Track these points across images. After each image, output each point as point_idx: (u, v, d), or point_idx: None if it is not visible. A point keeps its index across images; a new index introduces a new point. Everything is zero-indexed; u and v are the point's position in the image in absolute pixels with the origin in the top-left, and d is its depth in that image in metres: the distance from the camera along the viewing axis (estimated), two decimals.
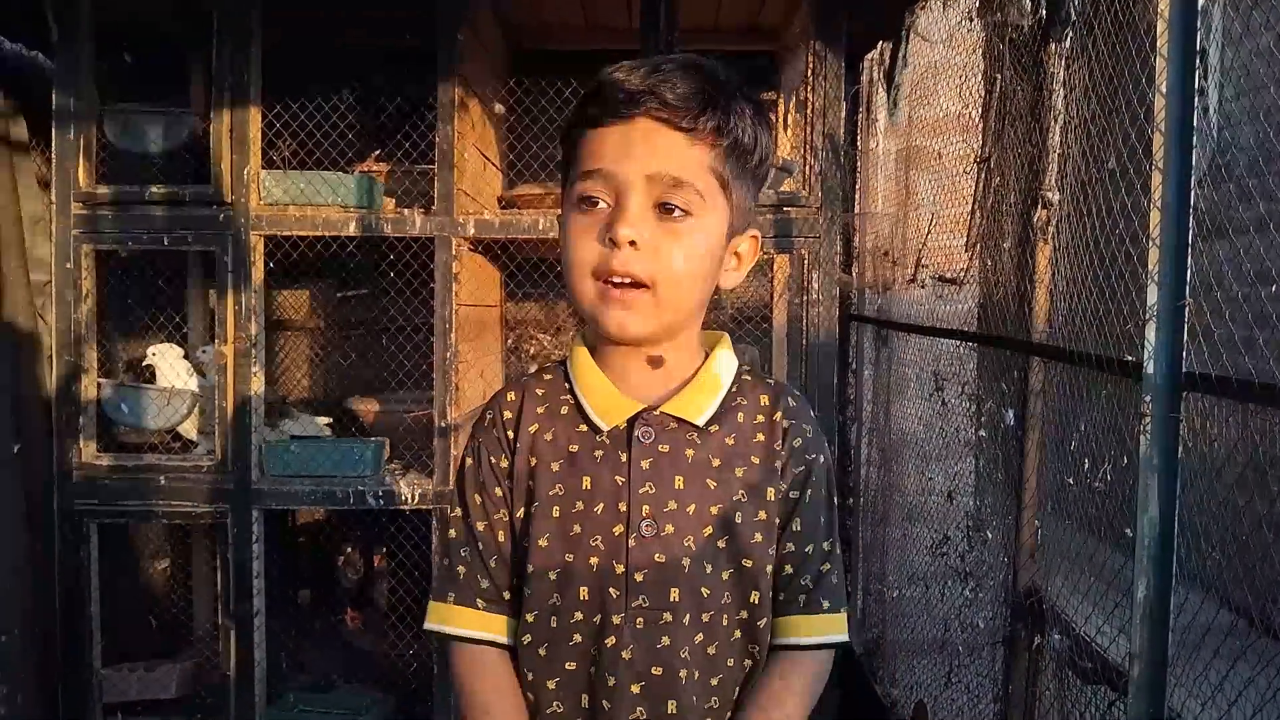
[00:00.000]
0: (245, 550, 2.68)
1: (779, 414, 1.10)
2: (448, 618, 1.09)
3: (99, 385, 2.74)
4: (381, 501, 2.69)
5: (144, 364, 2.94)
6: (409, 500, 2.69)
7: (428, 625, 1.11)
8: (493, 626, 1.09)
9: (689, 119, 0.99)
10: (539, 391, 1.12)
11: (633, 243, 0.98)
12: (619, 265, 0.99)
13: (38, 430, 2.68)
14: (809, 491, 1.09)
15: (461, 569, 1.09)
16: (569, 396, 1.10)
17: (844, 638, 1.11)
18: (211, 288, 2.80)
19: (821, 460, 1.11)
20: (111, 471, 2.70)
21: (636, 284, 1.00)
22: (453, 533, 1.11)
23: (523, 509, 1.09)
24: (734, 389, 1.10)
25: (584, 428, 1.08)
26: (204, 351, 2.95)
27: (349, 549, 3.32)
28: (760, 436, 1.08)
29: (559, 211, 1.11)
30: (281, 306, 3.55)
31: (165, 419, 2.81)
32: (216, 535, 2.74)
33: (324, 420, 3.08)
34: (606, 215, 1.00)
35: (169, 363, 2.90)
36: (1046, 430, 2.07)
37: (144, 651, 3.04)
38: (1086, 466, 1.82)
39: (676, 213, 1.00)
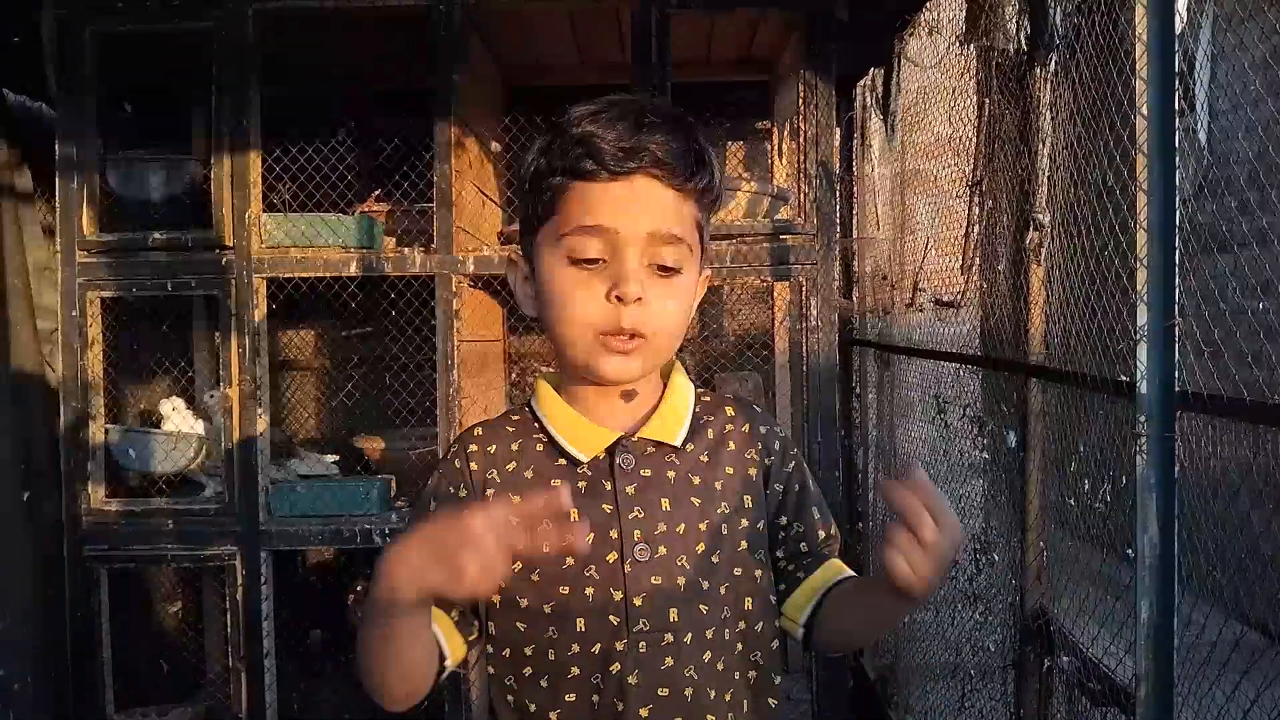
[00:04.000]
0: (254, 592, 2.69)
1: (749, 424, 1.16)
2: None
3: (106, 431, 2.76)
4: (389, 539, 2.70)
5: (156, 416, 2.97)
6: None
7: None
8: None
9: (682, 179, 1.02)
10: (509, 429, 1.13)
11: (639, 299, 1.01)
12: (628, 323, 1.01)
13: (47, 477, 2.71)
14: (809, 480, 1.17)
15: None
16: (541, 435, 1.12)
17: None
18: (216, 331, 2.82)
19: (798, 451, 1.20)
20: (120, 516, 2.72)
21: (635, 334, 1.02)
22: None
23: None
24: (698, 409, 1.15)
25: (562, 462, 1.09)
26: (210, 395, 2.97)
27: (359, 588, 3.32)
28: (732, 445, 1.13)
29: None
30: (286, 347, 3.57)
31: (172, 463, 2.83)
32: (226, 577, 2.75)
33: (330, 459, 3.09)
34: (606, 272, 1.02)
35: (179, 415, 2.94)
36: (1048, 451, 2.07)
37: (156, 696, 3.04)
38: (1087, 487, 1.81)
39: (671, 270, 1.03)
